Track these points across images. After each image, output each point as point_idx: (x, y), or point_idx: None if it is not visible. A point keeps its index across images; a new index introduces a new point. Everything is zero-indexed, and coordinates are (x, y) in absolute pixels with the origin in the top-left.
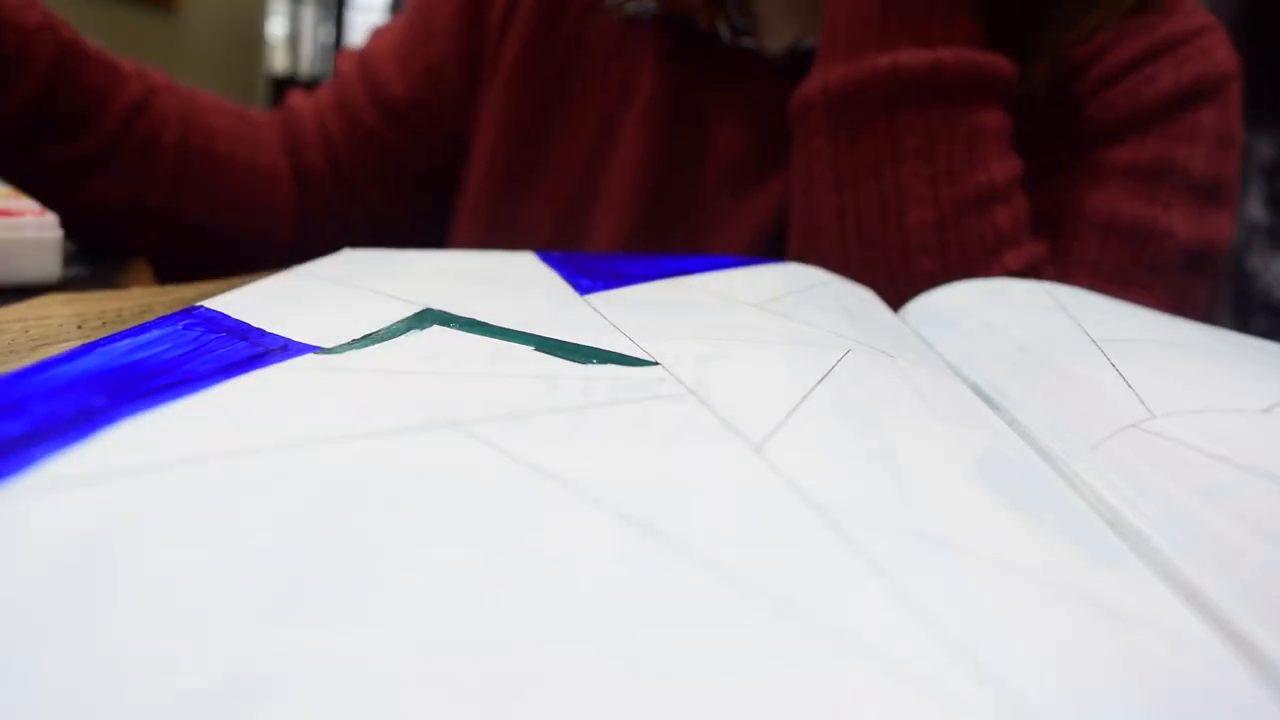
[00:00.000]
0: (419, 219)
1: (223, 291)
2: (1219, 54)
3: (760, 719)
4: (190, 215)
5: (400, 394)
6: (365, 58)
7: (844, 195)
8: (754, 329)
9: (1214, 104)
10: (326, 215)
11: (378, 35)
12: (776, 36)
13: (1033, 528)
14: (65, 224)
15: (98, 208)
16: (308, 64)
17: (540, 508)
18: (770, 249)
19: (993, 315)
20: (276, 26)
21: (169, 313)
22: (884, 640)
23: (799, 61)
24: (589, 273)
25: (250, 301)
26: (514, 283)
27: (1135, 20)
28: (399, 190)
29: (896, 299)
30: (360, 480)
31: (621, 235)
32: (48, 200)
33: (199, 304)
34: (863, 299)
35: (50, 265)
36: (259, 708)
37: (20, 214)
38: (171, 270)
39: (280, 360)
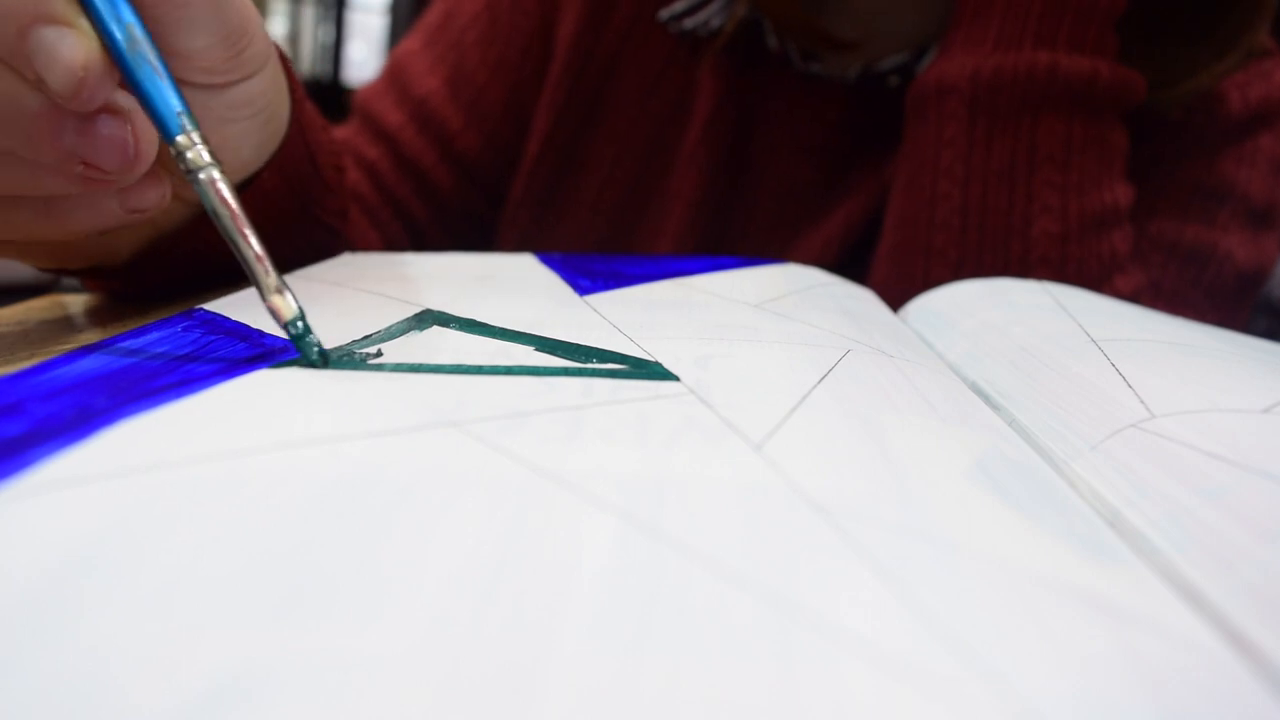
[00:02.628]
0: (459, 245)
1: (223, 294)
2: (1278, 77)
3: (760, 716)
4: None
5: (401, 394)
6: (419, 106)
7: (970, 192)
8: (754, 329)
9: (1272, 128)
10: (380, 238)
11: (415, 73)
12: (846, 63)
13: (1032, 527)
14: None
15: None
16: (308, 64)
17: (540, 507)
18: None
19: (993, 315)
20: (276, 26)
21: (169, 313)
22: (883, 638)
23: (866, 88)
24: (589, 273)
25: (250, 302)
26: (514, 283)
27: None
28: (451, 225)
29: None
30: (361, 480)
31: None
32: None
33: (199, 305)
34: (863, 299)
35: None
36: (260, 706)
37: None
38: None
39: (280, 360)
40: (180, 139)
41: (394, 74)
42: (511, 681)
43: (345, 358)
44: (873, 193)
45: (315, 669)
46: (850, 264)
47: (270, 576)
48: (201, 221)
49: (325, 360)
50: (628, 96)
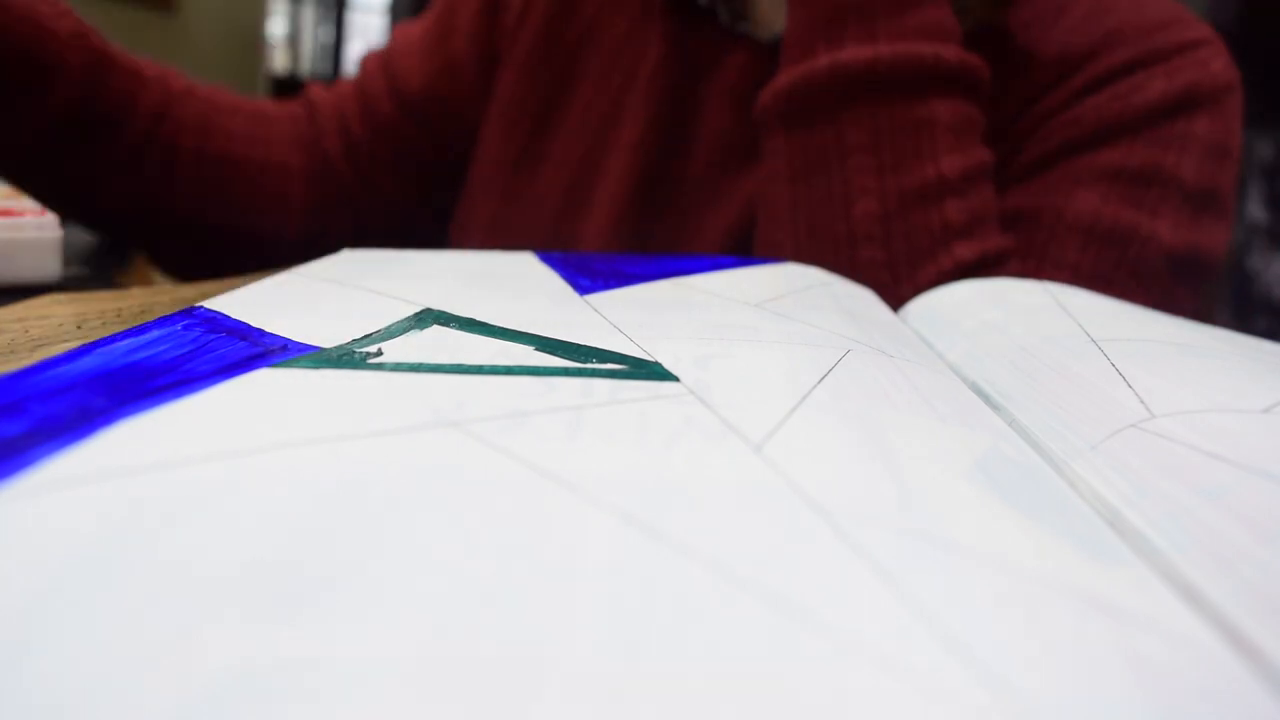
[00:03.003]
0: (428, 207)
1: (223, 291)
2: (1215, 66)
3: (760, 718)
4: (210, 218)
5: (400, 394)
6: (388, 54)
7: (796, 190)
8: (754, 329)
9: (1208, 114)
10: (340, 204)
11: (401, 33)
12: (769, 25)
13: (1032, 527)
14: (91, 229)
15: (121, 214)
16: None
17: (540, 508)
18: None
19: (993, 315)
20: (276, 26)
21: (169, 313)
22: (884, 640)
23: None
24: (589, 272)
25: (250, 302)
26: (514, 283)
27: (1129, 29)
28: (411, 178)
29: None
30: (361, 480)
31: (616, 212)
32: (71, 207)
33: (199, 304)
34: (862, 299)
35: (50, 265)
36: (260, 708)
37: (20, 214)
38: (193, 269)
39: (280, 360)
40: None
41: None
42: (511, 682)
43: (345, 357)
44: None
45: (314, 670)
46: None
47: (269, 577)
48: None
49: None
50: (595, 65)
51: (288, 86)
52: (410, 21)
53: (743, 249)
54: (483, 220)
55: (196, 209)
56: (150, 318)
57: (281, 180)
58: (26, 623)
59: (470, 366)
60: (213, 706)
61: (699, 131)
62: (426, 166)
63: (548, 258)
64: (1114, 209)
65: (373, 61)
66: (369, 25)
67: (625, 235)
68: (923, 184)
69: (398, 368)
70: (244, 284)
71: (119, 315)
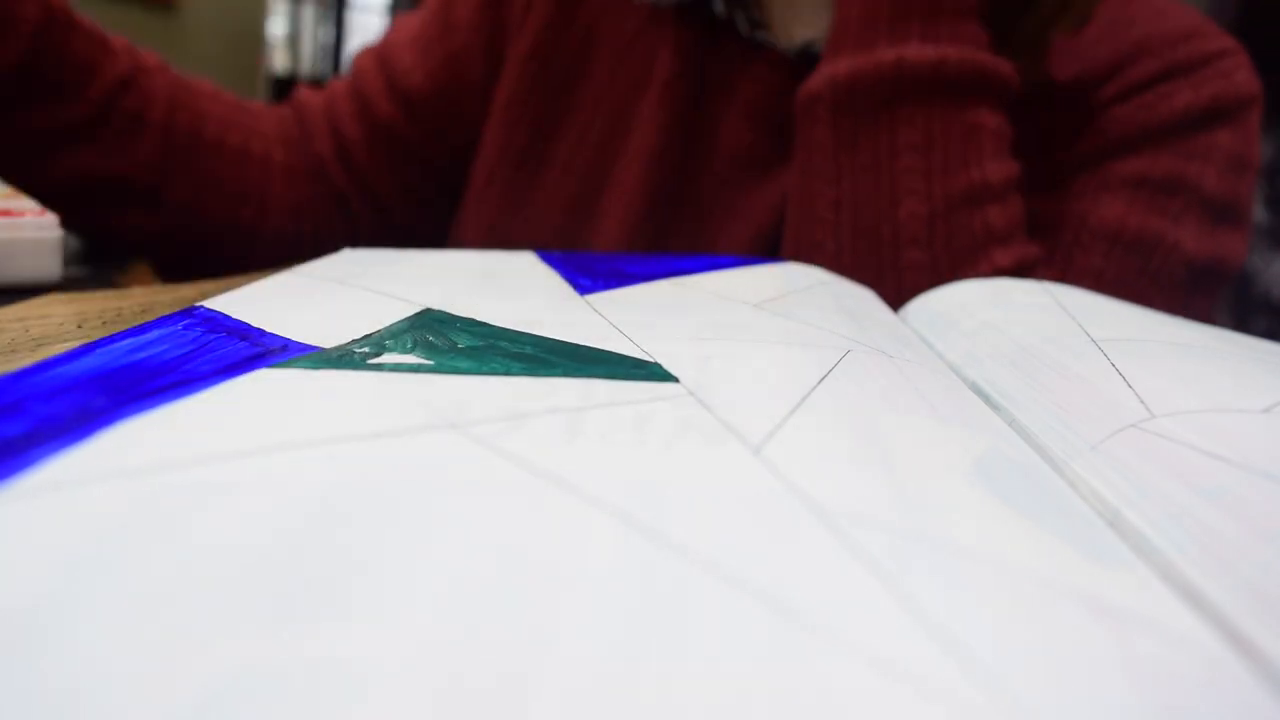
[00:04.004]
0: (426, 210)
1: (223, 291)
2: (1239, 77)
3: None
4: (174, 196)
5: (400, 395)
6: (383, 49)
7: (841, 188)
8: (754, 329)
9: (1231, 126)
10: (332, 206)
11: (396, 28)
12: (790, 35)
13: (1032, 528)
14: (47, 200)
15: (79, 182)
16: (308, 64)
17: (539, 509)
18: (771, 244)
19: (993, 315)
20: (276, 26)
21: (169, 313)
22: (883, 640)
23: (810, 62)
24: (589, 272)
25: (250, 301)
26: (514, 282)
27: (1155, 40)
28: (409, 181)
29: (889, 290)
30: (360, 481)
31: (629, 223)
32: (27, 170)
33: (199, 304)
34: (862, 299)
35: (50, 265)
36: (259, 711)
37: (20, 214)
38: (165, 260)
39: (280, 360)
40: None
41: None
42: (510, 685)
43: (345, 358)
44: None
45: (313, 673)
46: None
47: (268, 579)
48: None
49: None
50: (600, 67)
51: (288, 86)
52: (404, 17)
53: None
54: (483, 227)
55: (160, 186)
56: (151, 317)
57: (260, 172)
58: (27, 624)
59: (470, 367)
60: (211, 709)
61: (716, 143)
62: (426, 167)
63: (548, 257)
64: (1139, 217)
65: (367, 59)
66: (369, 25)
67: (639, 247)
68: (969, 188)
69: (397, 368)
70: (244, 283)
71: (119, 315)
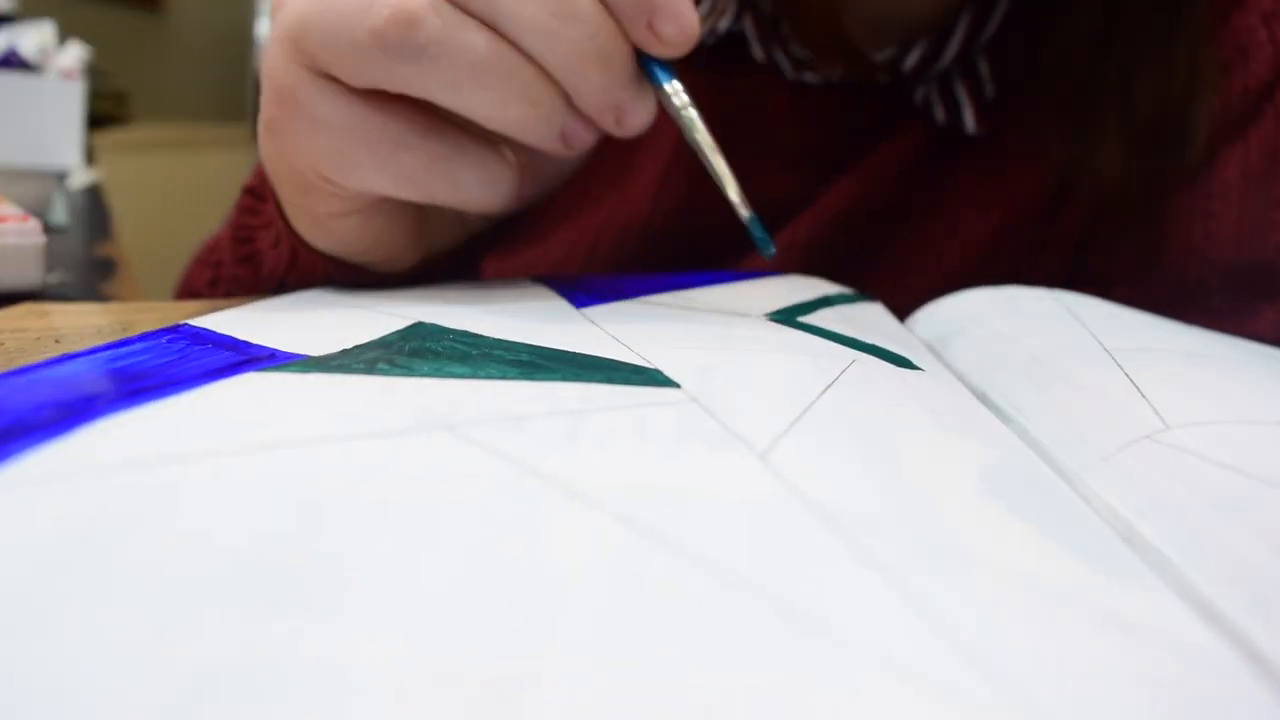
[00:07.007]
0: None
1: (208, 311)
2: None
3: None
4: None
5: (391, 397)
6: None
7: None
8: (756, 339)
9: None
10: None
11: None
12: (840, 61)
13: (1044, 541)
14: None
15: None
16: None
17: (538, 511)
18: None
19: (1002, 324)
20: (265, 26)
21: (152, 329)
22: (892, 650)
23: (852, 86)
24: (587, 289)
25: (237, 319)
26: (509, 299)
27: None
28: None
29: None
30: (353, 481)
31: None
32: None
33: (184, 321)
34: (868, 309)
35: (32, 272)
36: (243, 706)
37: (2, 220)
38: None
39: (267, 366)
40: (674, 82)
41: None
42: (505, 691)
43: (335, 363)
44: (848, 193)
45: (300, 674)
46: (821, 264)
47: (255, 578)
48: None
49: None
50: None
51: None
52: None
53: None
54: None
55: None
56: (132, 334)
57: None
58: (9, 616)
59: (464, 372)
60: (191, 707)
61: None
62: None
63: (542, 278)
64: None
65: None
66: None
67: None
68: None
69: (390, 372)
70: (231, 306)
71: (99, 332)
